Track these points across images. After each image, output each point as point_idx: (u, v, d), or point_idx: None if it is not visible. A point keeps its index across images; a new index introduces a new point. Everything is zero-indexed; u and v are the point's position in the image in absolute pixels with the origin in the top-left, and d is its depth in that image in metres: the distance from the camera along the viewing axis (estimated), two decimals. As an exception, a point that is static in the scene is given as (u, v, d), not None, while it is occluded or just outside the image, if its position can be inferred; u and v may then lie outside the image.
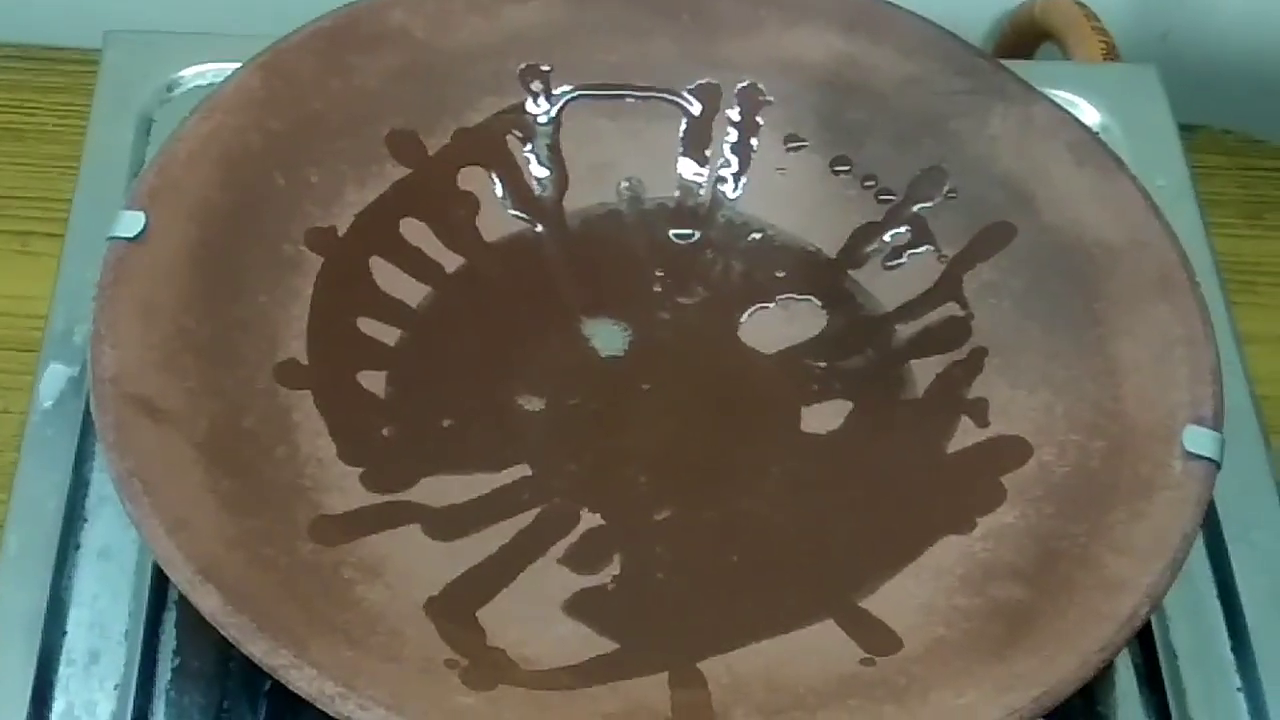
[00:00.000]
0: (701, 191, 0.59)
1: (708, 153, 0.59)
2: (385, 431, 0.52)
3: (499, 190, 0.58)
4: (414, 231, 0.56)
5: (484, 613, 0.48)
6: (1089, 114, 0.63)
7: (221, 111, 0.54)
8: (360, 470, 0.51)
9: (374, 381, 0.53)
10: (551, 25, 0.58)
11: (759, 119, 0.59)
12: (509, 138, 0.58)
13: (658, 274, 0.58)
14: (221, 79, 0.55)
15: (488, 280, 0.57)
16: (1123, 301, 0.52)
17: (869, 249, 0.57)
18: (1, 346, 0.70)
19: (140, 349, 0.48)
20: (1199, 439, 0.48)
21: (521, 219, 0.58)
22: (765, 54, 0.59)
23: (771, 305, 0.57)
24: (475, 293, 0.56)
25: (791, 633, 0.48)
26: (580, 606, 0.49)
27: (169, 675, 0.49)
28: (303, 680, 0.42)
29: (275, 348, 0.52)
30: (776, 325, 0.57)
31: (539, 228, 0.58)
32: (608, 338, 0.56)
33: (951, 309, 0.55)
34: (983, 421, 0.53)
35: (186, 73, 0.62)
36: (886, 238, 0.57)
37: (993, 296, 0.55)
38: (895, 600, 0.49)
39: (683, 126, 0.59)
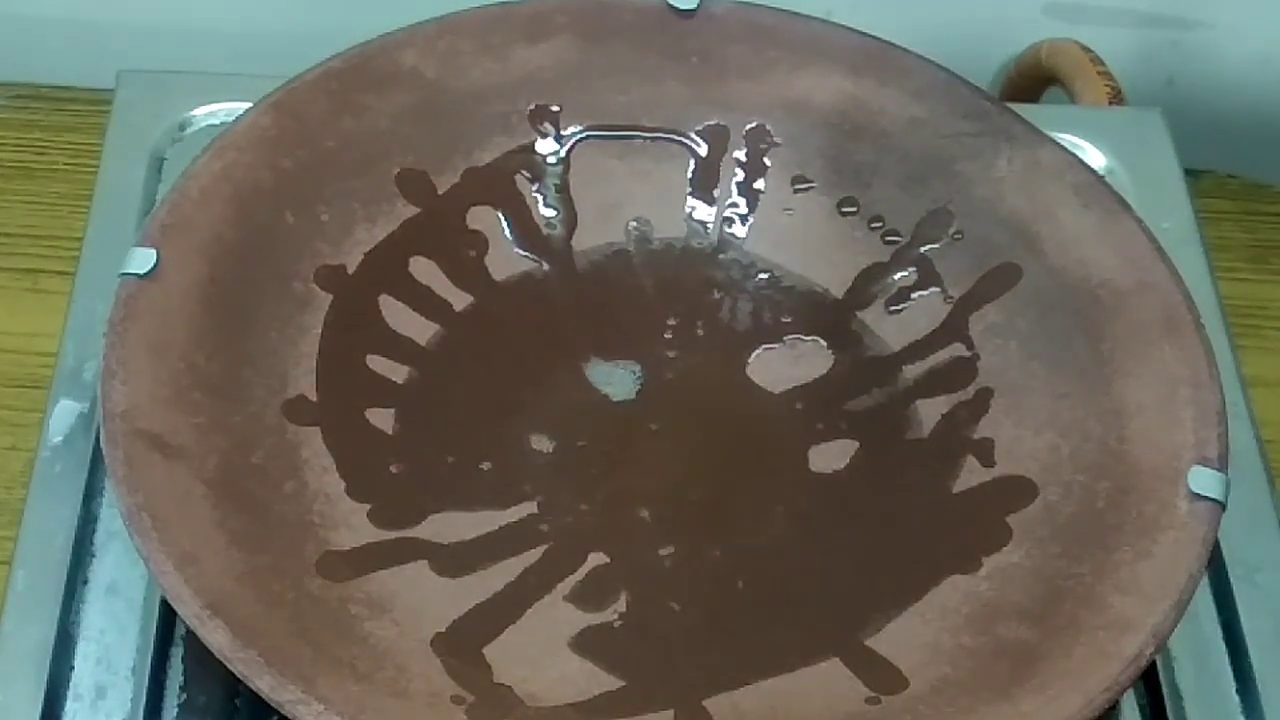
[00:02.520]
0: (709, 232, 0.59)
1: (715, 193, 0.59)
2: (393, 468, 0.52)
3: (508, 230, 0.58)
4: (423, 270, 0.56)
5: (490, 649, 0.48)
6: (1095, 157, 0.64)
7: (233, 150, 0.54)
8: (368, 507, 0.51)
9: (382, 419, 0.53)
10: (561, 66, 0.59)
11: (766, 160, 0.59)
12: (518, 177, 0.58)
13: (665, 314, 0.58)
14: (233, 118, 0.55)
15: (496, 319, 0.57)
16: (1128, 343, 0.53)
17: (875, 290, 0.58)
18: (11, 384, 0.70)
19: (150, 385, 0.49)
20: (1204, 480, 0.49)
21: (530, 258, 0.58)
22: (773, 96, 0.59)
23: (778, 345, 0.57)
24: (484, 331, 0.56)
25: (797, 671, 0.48)
26: (586, 644, 0.49)
27: (175, 710, 0.49)
28: (310, 715, 0.42)
29: (285, 384, 0.52)
30: (783, 365, 0.57)
31: (547, 267, 0.58)
32: (615, 378, 0.56)
33: (958, 349, 0.56)
34: (988, 461, 0.53)
35: (198, 112, 0.63)
36: (893, 279, 0.57)
37: (999, 337, 0.55)
38: (901, 639, 0.49)
39: (691, 167, 0.59)
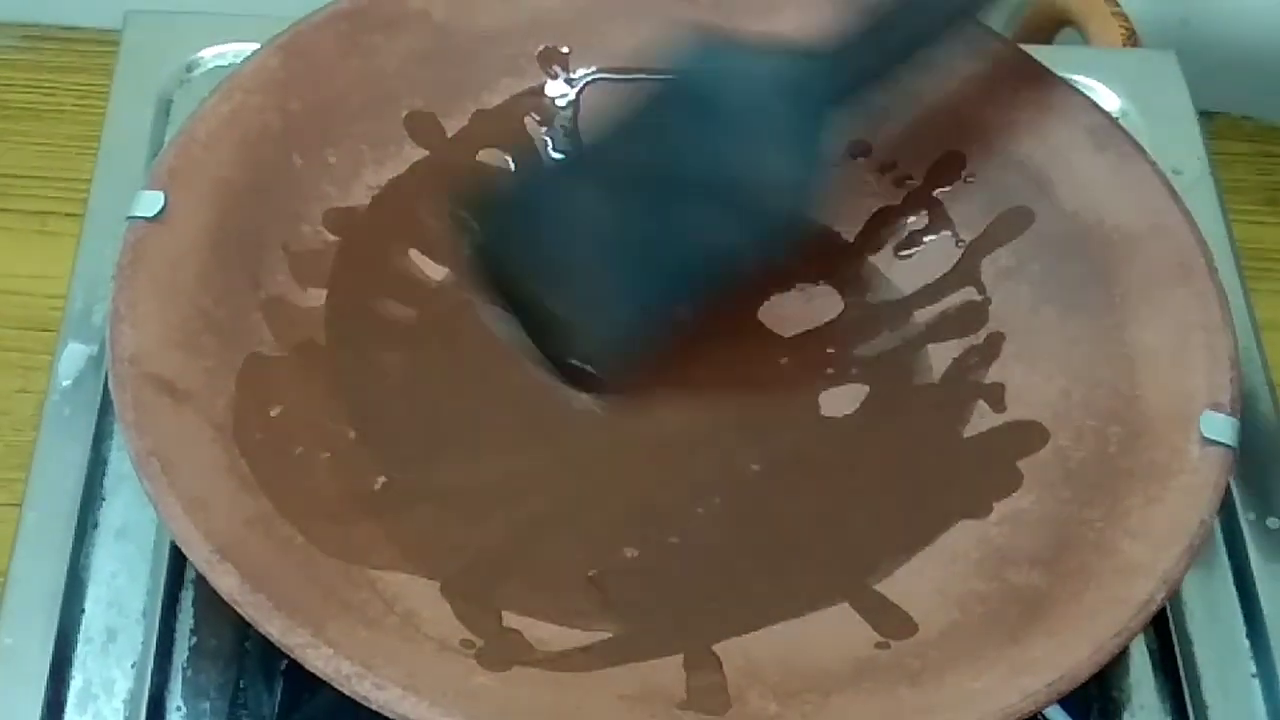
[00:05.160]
0: (720, 175, 0.59)
1: (726, 136, 0.59)
2: (403, 412, 0.52)
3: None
4: (432, 213, 0.56)
5: (499, 594, 0.48)
6: (1108, 99, 0.63)
7: (241, 92, 0.54)
8: (378, 450, 0.51)
9: (392, 361, 0.53)
10: (570, 8, 0.58)
11: (778, 103, 0.59)
12: (527, 120, 0.58)
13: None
14: (241, 59, 0.55)
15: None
16: (1141, 287, 0.52)
17: (886, 234, 0.57)
18: (20, 326, 0.70)
19: (159, 328, 0.49)
20: (1216, 425, 0.48)
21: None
22: (783, 38, 0.58)
23: (789, 290, 0.57)
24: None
25: (807, 616, 0.48)
26: (596, 590, 0.49)
27: (186, 654, 0.49)
28: (319, 659, 0.42)
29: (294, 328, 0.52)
30: (794, 310, 0.57)
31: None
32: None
33: (969, 294, 0.55)
34: (999, 406, 0.53)
35: (206, 53, 0.62)
36: (904, 222, 0.57)
37: (1010, 281, 0.55)
38: (911, 584, 0.49)
39: (702, 111, 0.59)
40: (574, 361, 0.53)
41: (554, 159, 0.58)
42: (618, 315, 0.53)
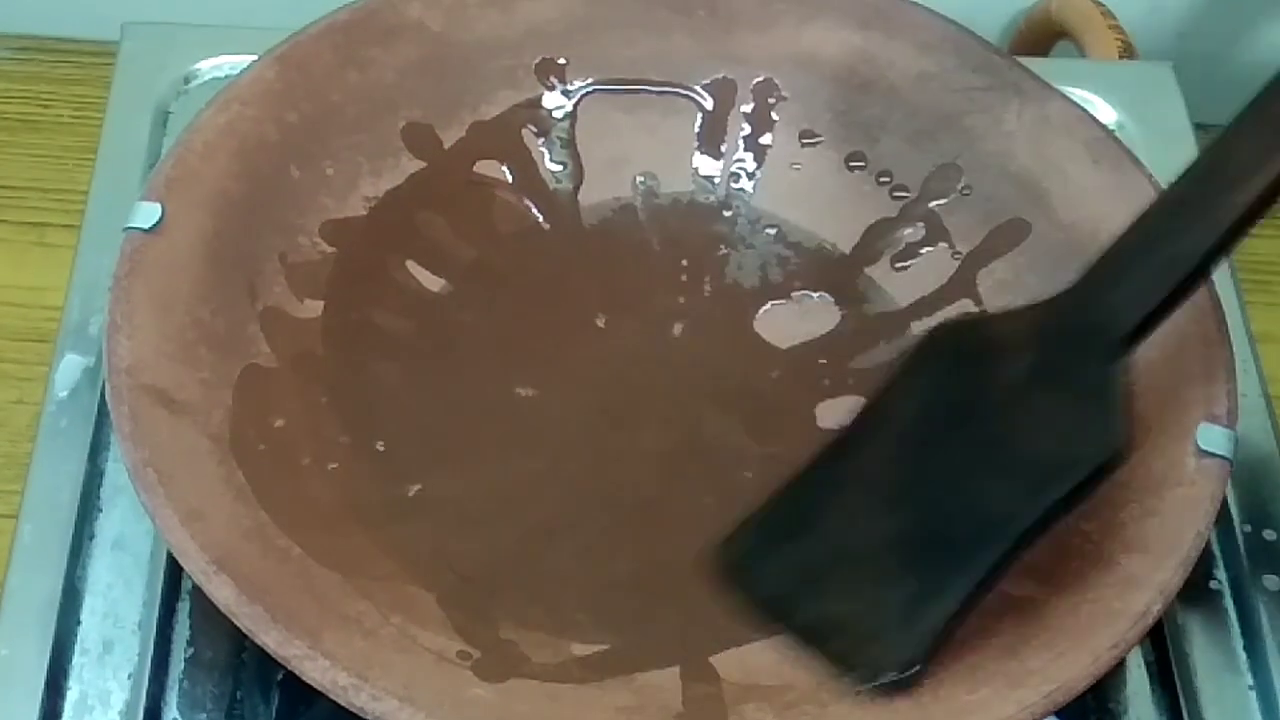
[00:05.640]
0: (716, 187, 0.59)
1: (723, 148, 0.59)
2: (400, 423, 0.52)
3: (514, 184, 0.58)
4: (428, 224, 0.56)
5: (497, 606, 0.48)
6: (1105, 112, 0.63)
7: (238, 103, 0.54)
8: (375, 462, 0.51)
9: (388, 372, 0.53)
10: (568, 19, 0.59)
11: (774, 115, 0.59)
12: (524, 131, 0.58)
13: (672, 269, 0.58)
14: (238, 71, 0.55)
15: (502, 274, 0.57)
16: (1137, 299, 0.52)
17: (883, 245, 0.57)
18: (17, 337, 0.70)
19: (156, 340, 0.49)
20: (1212, 437, 0.48)
21: (536, 213, 0.58)
22: (781, 50, 0.59)
23: (786, 301, 0.57)
24: (489, 286, 0.56)
25: (805, 627, 0.48)
26: (594, 599, 0.49)
27: (182, 665, 0.49)
28: (316, 671, 0.42)
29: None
30: (791, 321, 0.57)
31: (553, 222, 0.58)
32: (621, 332, 0.56)
33: (966, 306, 0.55)
34: (996, 418, 0.53)
35: (203, 65, 0.62)
36: (901, 234, 0.57)
37: (1007, 293, 0.55)
38: (908, 596, 0.49)
39: (698, 122, 0.59)
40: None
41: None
42: (914, 606, 0.47)
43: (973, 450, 0.48)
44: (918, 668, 0.45)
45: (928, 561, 0.47)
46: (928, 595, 0.46)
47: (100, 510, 0.52)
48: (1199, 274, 0.47)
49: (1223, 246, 0.46)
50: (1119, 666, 0.49)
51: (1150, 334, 0.47)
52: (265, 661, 0.44)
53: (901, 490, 0.49)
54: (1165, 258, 0.47)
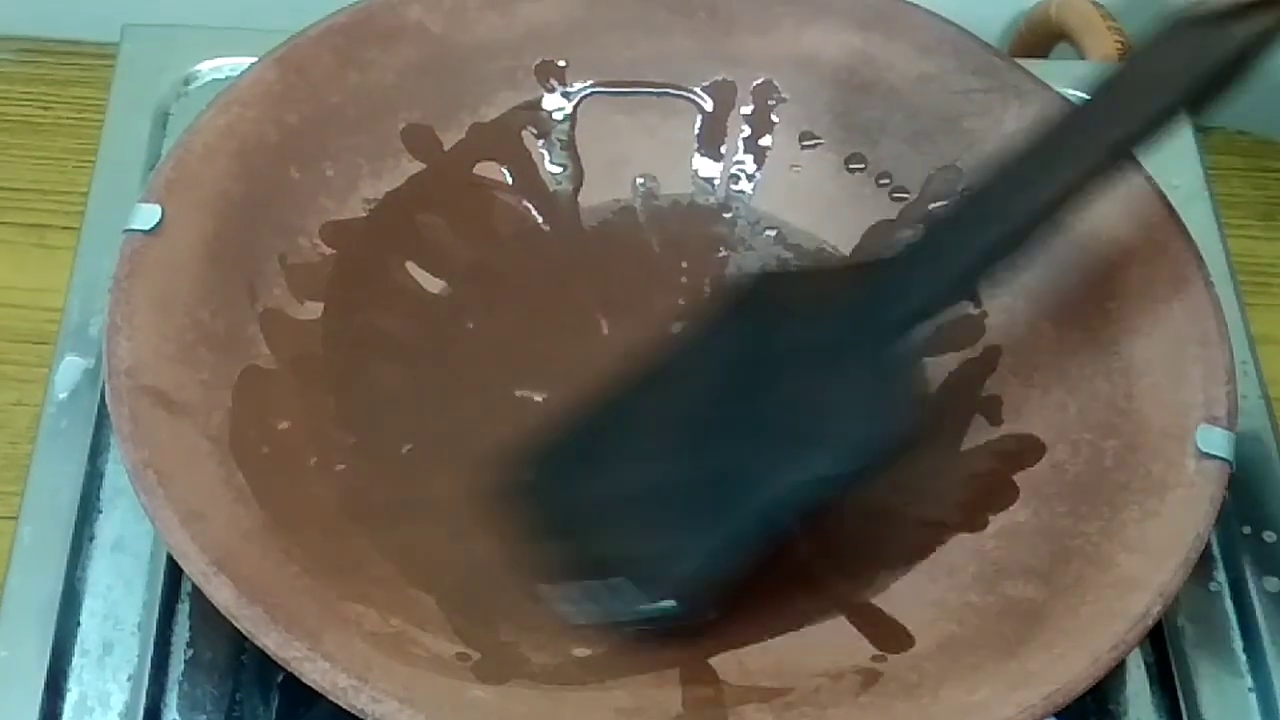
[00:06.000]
0: (716, 188, 0.59)
1: (722, 149, 0.59)
2: (400, 424, 0.52)
3: (514, 186, 0.58)
4: (429, 226, 0.56)
5: (496, 608, 0.48)
6: (1104, 114, 0.63)
7: (238, 105, 0.54)
8: (375, 463, 0.51)
9: (388, 374, 0.53)
10: (568, 21, 0.59)
11: (774, 116, 0.59)
12: (524, 133, 0.58)
13: (672, 271, 0.58)
14: (238, 73, 0.55)
15: (501, 275, 0.57)
16: (1137, 301, 0.52)
17: (883, 247, 0.57)
18: (17, 339, 0.70)
19: (156, 341, 0.49)
20: (1212, 438, 0.48)
21: (536, 215, 0.58)
22: (781, 51, 0.59)
23: (785, 302, 0.57)
24: (489, 288, 0.56)
25: (803, 629, 0.48)
26: (593, 600, 0.49)
27: (182, 667, 0.49)
28: (316, 673, 0.42)
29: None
30: (790, 322, 0.57)
31: (553, 223, 0.58)
32: (621, 334, 0.56)
33: (965, 307, 0.55)
34: (996, 420, 0.53)
35: (203, 66, 0.62)
36: (900, 236, 0.57)
37: (1007, 295, 0.55)
38: (907, 598, 0.49)
39: (698, 123, 0.59)
40: (651, 606, 0.48)
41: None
42: (698, 552, 0.48)
43: (763, 411, 0.49)
44: (675, 607, 0.47)
45: (698, 512, 0.48)
46: (693, 544, 0.48)
47: (100, 512, 0.52)
48: (987, 269, 0.49)
49: (1013, 246, 0.48)
50: (1119, 668, 0.49)
51: (935, 319, 0.49)
52: (265, 663, 0.44)
53: (689, 437, 0.50)
54: (966, 249, 0.48)
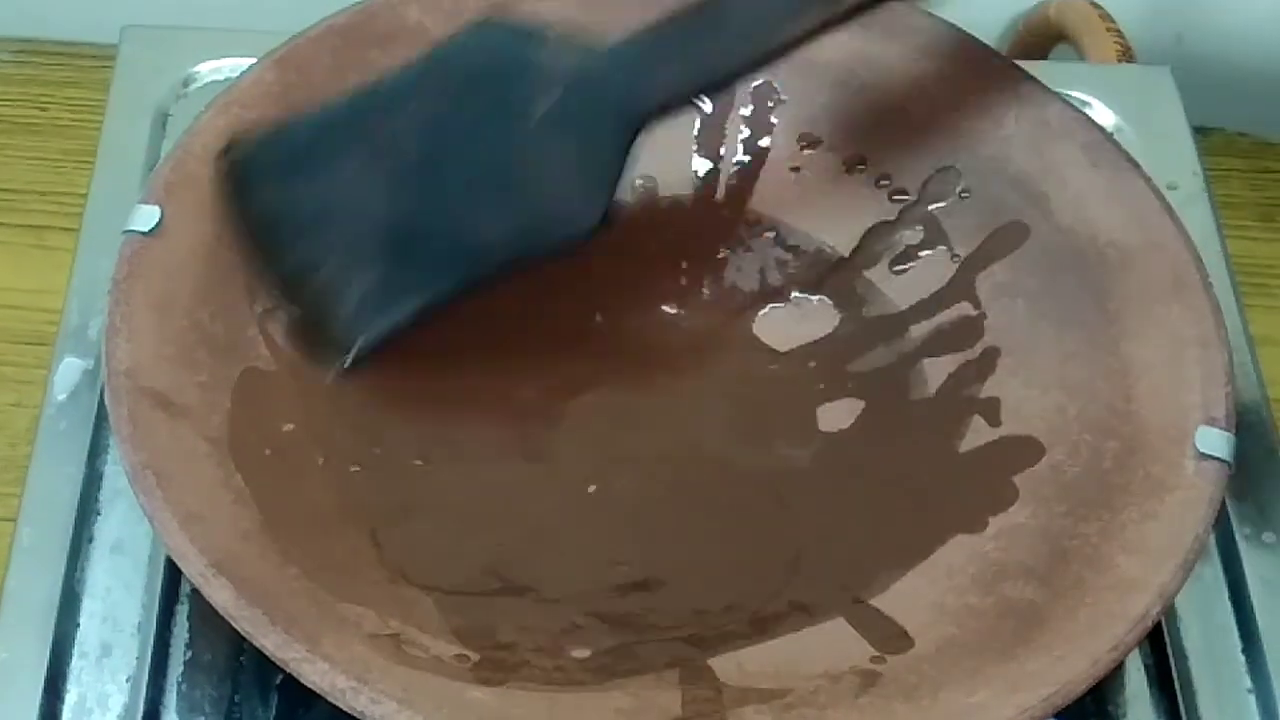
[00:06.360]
0: (715, 189, 0.59)
1: (722, 151, 0.59)
2: (399, 426, 0.52)
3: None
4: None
5: (495, 609, 0.48)
6: (1103, 115, 0.63)
7: (237, 106, 0.54)
8: (374, 465, 0.51)
9: (387, 375, 0.53)
10: (566, 23, 0.58)
11: (773, 118, 0.59)
12: (523, 134, 0.58)
13: (671, 272, 0.58)
14: (237, 74, 0.55)
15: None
16: (1136, 302, 0.52)
17: (882, 248, 0.57)
18: (16, 340, 0.70)
19: (155, 343, 0.49)
20: (1211, 440, 0.48)
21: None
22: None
23: (785, 304, 0.57)
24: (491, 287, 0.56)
25: (802, 631, 0.48)
26: (592, 603, 0.49)
27: (181, 668, 0.49)
28: (315, 674, 0.42)
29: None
30: (789, 324, 0.57)
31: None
32: (620, 334, 0.56)
33: (964, 309, 0.55)
34: (995, 421, 0.53)
35: (202, 68, 0.62)
36: (900, 237, 0.57)
37: (1006, 296, 0.55)
38: (906, 599, 0.49)
39: (696, 125, 0.59)
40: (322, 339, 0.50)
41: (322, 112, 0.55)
42: (372, 294, 0.49)
43: (480, 167, 0.49)
44: (352, 354, 0.48)
45: (404, 255, 0.49)
46: (391, 288, 0.49)
47: (99, 513, 0.52)
48: (729, 81, 0.50)
49: (758, 64, 0.49)
50: (1118, 669, 0.49)
51: (666, 119, 0.49)
52: (264, 664, 0.44)
53: (411, 173, 0.50)
54: (707, 53, 0.48)
